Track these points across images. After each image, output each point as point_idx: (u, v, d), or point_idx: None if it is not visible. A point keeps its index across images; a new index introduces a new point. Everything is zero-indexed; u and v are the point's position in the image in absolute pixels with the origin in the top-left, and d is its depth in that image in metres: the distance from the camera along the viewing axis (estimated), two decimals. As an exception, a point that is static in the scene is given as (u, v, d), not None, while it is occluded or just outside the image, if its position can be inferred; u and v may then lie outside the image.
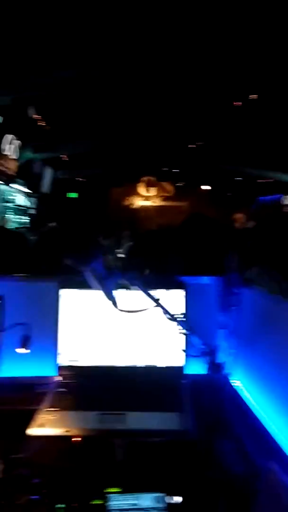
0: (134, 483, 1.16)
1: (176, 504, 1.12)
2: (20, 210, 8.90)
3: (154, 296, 1.38)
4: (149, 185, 12.89)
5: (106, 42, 4.73)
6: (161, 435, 1.29)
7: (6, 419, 1.36)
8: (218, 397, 1.40)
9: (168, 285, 1.57)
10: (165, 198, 13.01)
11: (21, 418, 1.31)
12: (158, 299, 1.38)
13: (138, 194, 12.92)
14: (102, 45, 4.76)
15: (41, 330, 1.57)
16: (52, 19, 4.29)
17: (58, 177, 10.81)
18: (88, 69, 5.36)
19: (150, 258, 2.23)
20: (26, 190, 9.21)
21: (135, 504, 1.12)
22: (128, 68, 5.54)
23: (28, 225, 7.60)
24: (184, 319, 1.45)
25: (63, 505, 1.09)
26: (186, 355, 1.55)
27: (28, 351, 1.56)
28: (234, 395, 1.57)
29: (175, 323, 1.40)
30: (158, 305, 1.38)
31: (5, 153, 7.02)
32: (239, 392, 1.60)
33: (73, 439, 1.26)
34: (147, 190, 12.95)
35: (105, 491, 1.13)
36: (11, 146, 7.17)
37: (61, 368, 1.58)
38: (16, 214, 8.66)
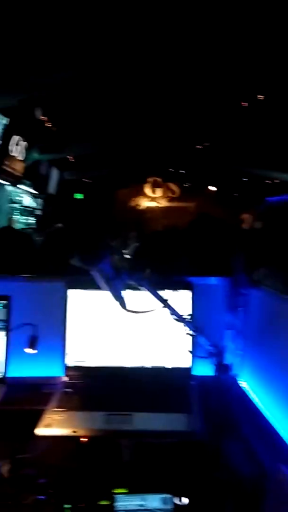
0: (141, 484, 1.15)
1: (183, 506, 1.11)
2: (27, 211, 8.95)
3: (162, 297, 1.37)
4: (155, 186, 12.90)
5: (113, 42, 4.74)
6: (168, 436, 1.28)
7: (13, 419, 1.36)
8: (226, 398, 1.39)
9: (175, 286, 1.57)
10: (171, 199, 13.00)
11: (28, 418, 1.32)
12: (166, 300, 1.37)
13: (144, 195, 12.93)
14: (108, 45, 4.76)
15: (49, 331, 1.58)
16: (56, 20, 4.30)
17: (64, 178, 10.85)
18: (94, 69, 5.37)
19: (157, 258, 2.22)
20: (33, 191, 9.25)
21: (142, 505, 1.12)
22: (135, 69, 5.55)
23: (34, 226, 7.63)
24: (191, 320, 1.45)
25: (69, 506, 1.09)
26: (194, 356, 1.54)
27: (36, 351, 1.57)
28: (241, 396, 1.56)
29: (182, 324, 1.40)
30: (166, 305, 1.37)
31: (12, 154, 7.05)
32: (247, 393, 1.59)
33: (80, 440, 1.26)
34: (153, 191, 12.95)
35: (112, 491, 1.13)
36: (17, 147, 7.21)
37: (68, 368, 1.58)
38: (22, 215, 8.70)
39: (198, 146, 10.77)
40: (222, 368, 1.38)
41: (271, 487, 1.05)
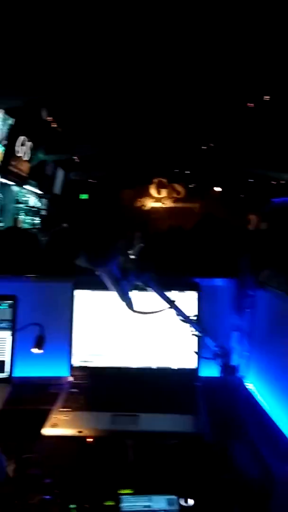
0: (147, 485, 1.15)
1: (188, 507, 1.11)
2: (32, 211, 8.98)
3: (169, 298, 1.37)
4: (160, 186, 12.91)
5: (120, 43, 4.75)
6: (174, 437, 1.28)
7: (19, 418, 1.36)
8: (232, 399, 1.39)
9: (181, 287, 1.56)
10: (176, 200, 13.00)
11: (34, 418, 1.32)
12: (173, 301, 1.37)
13: (149, 196, 12.93)
14: (116, 46, 4.78)
15: (55, 331, 1.58)
16: (59, 22, 4.32)
17: (70, 178, 10.88)
18: (100, 70, 5.39)
19: (162, 259, 2.22)
20: (38, 191, 9.29)
21: (147, 506, 1.11)
22: (141, 69, 5.55)
23: (39, 226, 7.66)
24: (197, 321, 1.44)
25: (74, 506, 1.09)
26: (200, 357, 1.54)
27: (42, 351, 1.57)
28: (248, 397, 1.55)
29: (188, 325, 1.39)
30: (173, 306, 1.37)
31: (18, 154, 7.08)
32: (253, 394, 1.58)
33: (85, 440, 1.26)
34: (158, 192, 12.96)
35: (117, 492, 1.13)
36: (23, 148, 7.23)
37: (74, 368, 1.58)
38: (28, 215, 8.74)
39: (203, 147, 10.76)
40: (229, 370, 1.38)
41: (277, 489, 1.04)
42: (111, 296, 1.43)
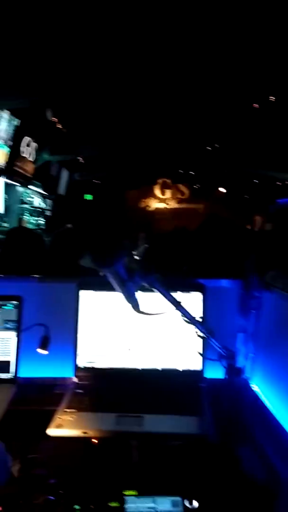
0: (151, 486, 1.15)
1: (193, 509, 1.10)
2: (36, 212, 9.00)
3: (175, 299, 1.37)
4: (164, 187, 12.89)
5: (124, 46, 4.76)
6: (179, 439, 1.28)
7: (24, 419, 1.37)
8: (237, 401, 1.38)
9: (186, 288, 1.56)
10: (181, 200, 12.99)
11: (39, 418, 1.32)
12: (179, 302, 1.37)
13: (154, 196, 12.93)
14: (122, 46, 4.79)
15: (60, 331, 1.58)
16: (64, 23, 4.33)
17: (74, 179, 10.90)
18: (105, 70, 5.40)
19: (167, 260, 2.22)
20: (43, 192, 9.31)
21: (152, 507, 1.11)
22: (146, 70, 5.56)
23: (44, 227, 7.68)
24: (202, 322, 1.44)
25: (79, 507, 1.09)
26: (205, 359, 1.53)
27: (47, 352, 1.57)
28: (253, 399, 1.55)
29: (194, 326, 1.39)
30: (179, 307, 1.37)
31: (23, 155, 7.10)
32: (258, 396, 1.57)
33: (90, 441, 1.26)
34: (163, 192, 12.95)
35: (122, 493, 1.12)
36: (28, 149, 7.26)
37: (79, 369, 1.58)
38: (32, 215, 8.76)
39: (208, 148, 10.75)
40: (234, 371, 1.37)
41: (283, 490, 1.04)
42: (116, 297, 1.43)
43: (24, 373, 1.60)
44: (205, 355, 1.52)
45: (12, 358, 1.58)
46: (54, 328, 1.60)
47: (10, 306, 1.60)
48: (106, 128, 8.40)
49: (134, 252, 1.42)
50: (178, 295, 1.44)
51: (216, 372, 1.45)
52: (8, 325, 1.59)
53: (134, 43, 4.84)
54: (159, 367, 1.58)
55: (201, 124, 8.59)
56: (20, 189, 8.02)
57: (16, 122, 6.63)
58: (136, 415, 1.34)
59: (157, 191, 12.92)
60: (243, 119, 8.08)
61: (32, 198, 8.99)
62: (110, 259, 1.26)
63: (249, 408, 1.44)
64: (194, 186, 13.14)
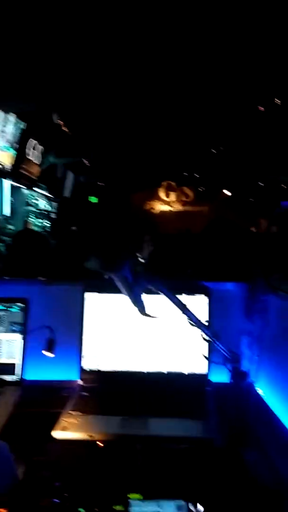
0: (156, 490, 1.14)
1: (198, 513, 1.10)
2: (42, 214, 9.03)
3: (181, 302, 1.37)
4: (169, 189, 12.88)
5: (130, 48, 4.78)
6: (184, 442, 1.28)
7: (30, 421, 1.37)
8: (242, 405, 1.38)
9: (191, 291, 1.56)
10: (185, 203, 12.96)
11: (44, 421, 1.32)
12: (185, 305, 1.36)
13: (158, 199, 12.92)
14: (129, 47, 4.80)
15: (65, 334, 1.59)
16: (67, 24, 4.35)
17: (80, 181, 10.94)
18: (109, 72, 5.42)
19: (172, 263, 2.22)
20: (48, 194, 9.34)
21: (156, 511, 1.11)
22: (151, 71, 5.57)
23: (49, 229, 7.70)
24: (208, 326, 1.44)
25: (83, 510, 1.09)
26: (210, 362, 1.53)
27: (53, 355, 1.58)
28: (258, 403, 1.54)
29: (199, 329, 1.39)
30: (184, 311, 1.37)
31: (29, 158, 7.14)
32: (264, 400, 1.57)
33: (95, 443, 1.26)
34: (167, 195, 12.94)
35: (126, 496, 1.12)
36: (34, 151, 7.29)
37: (84, 372, 1.58)
38: (37, 218, 8.78)
39: (213, 150, 10.74)
40: (239, 375, 1.37)
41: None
42: (122, 299, 1.43)
43: (30, 375, 1.60)
44: (211, 359, 1.51)
45: (17, 361, 1.58)
46: (59, 331, 1.60)
47: (16, 308, 1.60)
48: (111, 130, 8.43)
49: (139, 255, 1.43)
50: (183, 298, 1.44)
51: (221, 376, 1.45)
52: (14, 328, 1.60)
53: (139, 47, 4.86)
54: (165, 370, 1.58)
55: (206, 127, 8.59)
56: (25, 191, 8.05)
57: (22, 125, 6.67)
58: (142, 419, 1.34)
59: (162, 194, 12.90)
60: (248, 122, 8.07)
61: (38, 200, 9.02)
62: (117, 264, 1.26)
63: (254, 412, 1.44)
64: (199, 189, 13.11)
